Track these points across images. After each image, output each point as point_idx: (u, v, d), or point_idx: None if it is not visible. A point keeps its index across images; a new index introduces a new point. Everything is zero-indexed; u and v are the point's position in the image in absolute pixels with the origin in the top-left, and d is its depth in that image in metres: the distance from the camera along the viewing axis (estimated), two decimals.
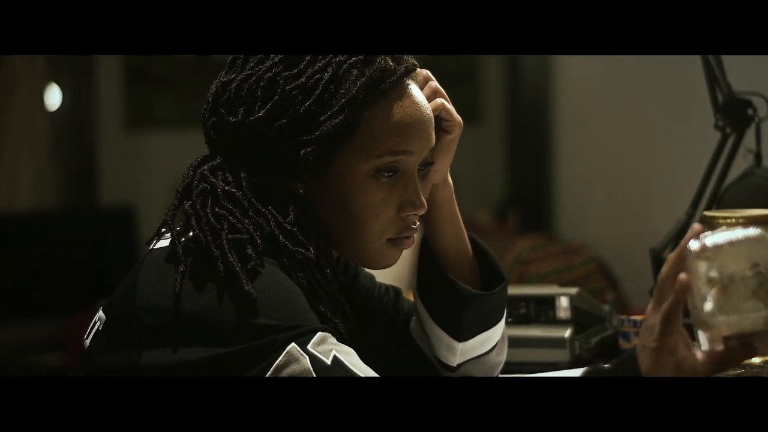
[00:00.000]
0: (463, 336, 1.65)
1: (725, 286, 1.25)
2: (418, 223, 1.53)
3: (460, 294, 1.62)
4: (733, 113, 2.27)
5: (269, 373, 1.31)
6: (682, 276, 1.25)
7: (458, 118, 1.59)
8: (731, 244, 1.26)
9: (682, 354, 1.27)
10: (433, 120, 1.52)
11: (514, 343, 1.77)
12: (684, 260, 1.26)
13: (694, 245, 1.26)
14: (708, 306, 1.25)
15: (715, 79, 2.27)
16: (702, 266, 1.26)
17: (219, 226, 1.40)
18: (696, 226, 1.28)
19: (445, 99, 1.58)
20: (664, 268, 1.27)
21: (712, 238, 1.26)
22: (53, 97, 5.31)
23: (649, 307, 1.27)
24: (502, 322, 1.68)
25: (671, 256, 1.27)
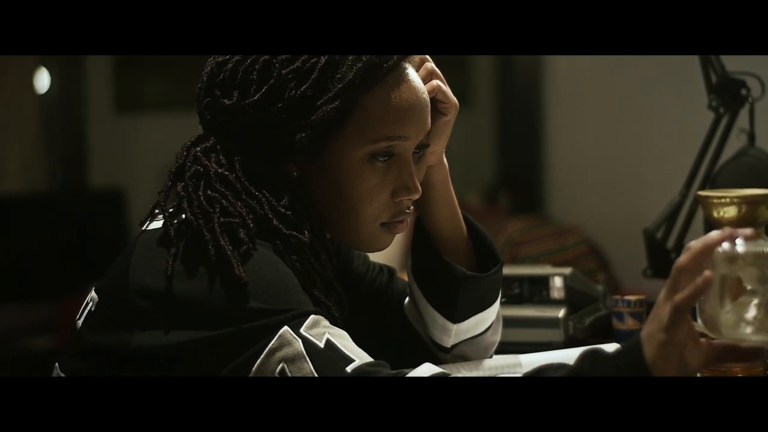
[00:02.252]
0: (457, 317, 1.64)
1: (747, 298, 1.22)
2: (412, 208, 1.52)
3: (455, 276, 1.62)
4: (727, 93, 2.28)
5: (262, 356, 1.31)
6: (708, 274, 1.19)
7: (454, 99, 1.58)
8: (761, 256, 1.23)
9: (689, 349, 1.21)
10: (429, 103, 1.51)
11: (508, 323, 1.77)
12: (708, 256, 1.21)
13: (725, 247, 1.22)
14: (728, 315, 1.21)
15: (708, 60, 2.27)
16: (729, 271, 1.22)
17: (211, 210, 1.39)
18: (728, 228, 1.24)
19: (441, 81, 1.57)
20: (684, 258, 1.21)
21: (745, 246, 1.23)
22: (42, 80, 5.29)
23: (662, 295, 1.22)
24: (497, 303, 1.68)
25: (695, 247, 1.22)
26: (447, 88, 1.57)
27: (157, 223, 1.45)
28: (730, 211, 1.80)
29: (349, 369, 1.30)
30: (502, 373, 1.68)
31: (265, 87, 1.43)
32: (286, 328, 1.31)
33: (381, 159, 1.46)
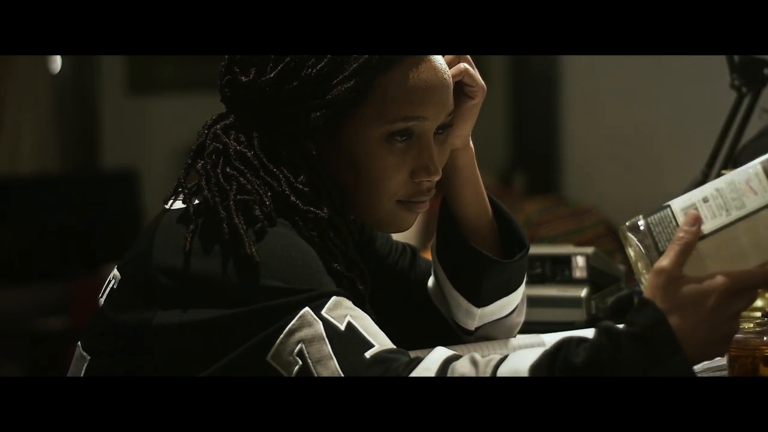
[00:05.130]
0: (482, 302, 1.63)
1: None
2: (433, 190, 1.51)
3: (480, 261, 1.60)
4: (749, 73, 2.27)
5: (281, 336, 1.30)
6: None
7: (482, 83, 1.56)
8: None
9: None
10: (451, 84, 1.49)
11: (530, 302, 1.76)
12: None
13: None
14: None
15: None
16: None
17: (228, 187, 1.39)
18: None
19: (469, 63, 1.54)
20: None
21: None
22: (55, 61, 5.29)
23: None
24: (522, 287, 1.67)
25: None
26: (475, 71, 1.55)
27: (180, 202, 1.44)
28: None
29: (367, 354, 1.30)
30: None
31: (281, 65, 1.42)
32: (307, 309, 1.31)
33: (399, 139, 1.45)
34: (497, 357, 1.29)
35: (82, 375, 1.44)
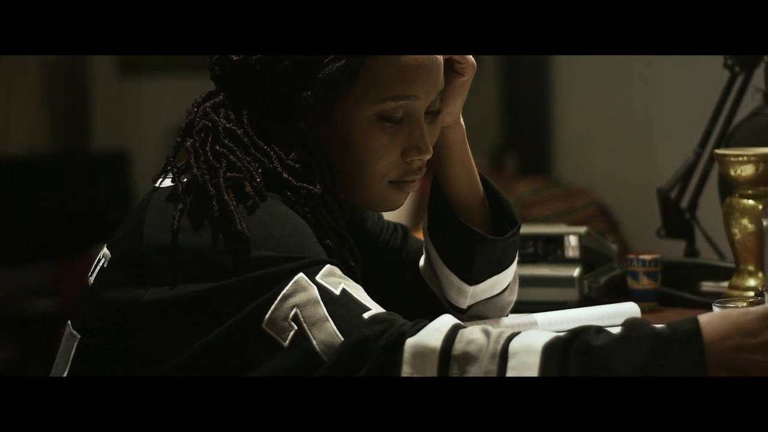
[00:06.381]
0: (474, 279, 1.63)
1: None
2: (424, 169, 1.51)
3: (471, 238, 1.60)
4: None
5: (275, 302, 1.30)
6: None
7: (471, 60, 1.56)
8: None
9: None
10: (442, 63, 1.49)
11: (522, 281, 1.76)
12: None
13: None
14: None
15: None
16: None
17: (217, 164, 1.39)
18: None
19: None
20: None
21: None
22: None
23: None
24: (514, 264, 1.67)
25: None
26: None
27: (170, 181, 1.44)
28: (748, 170, 1.81)
29: (365, 315, 1.29)
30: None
31: None
32: (301, 274, 1.31)
33: (390, 120, 1.45)
34: (510, 331, 1.28)
35: (72, 354, 1.44)
